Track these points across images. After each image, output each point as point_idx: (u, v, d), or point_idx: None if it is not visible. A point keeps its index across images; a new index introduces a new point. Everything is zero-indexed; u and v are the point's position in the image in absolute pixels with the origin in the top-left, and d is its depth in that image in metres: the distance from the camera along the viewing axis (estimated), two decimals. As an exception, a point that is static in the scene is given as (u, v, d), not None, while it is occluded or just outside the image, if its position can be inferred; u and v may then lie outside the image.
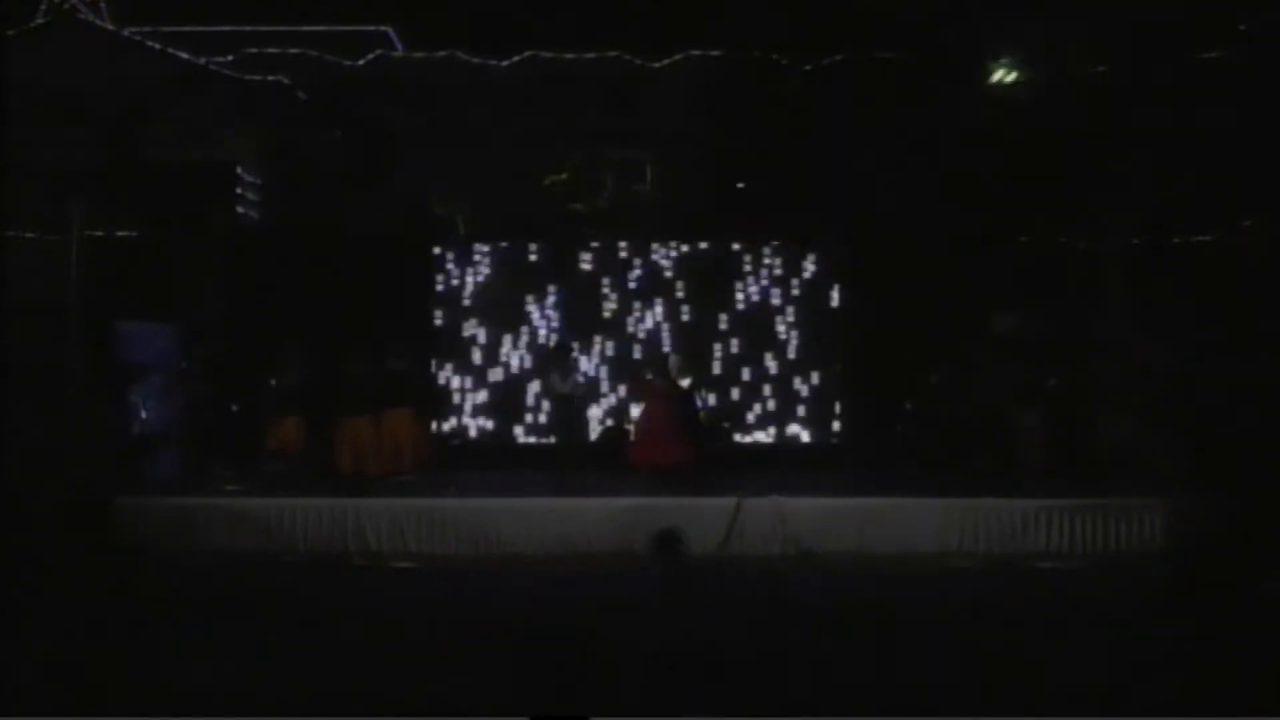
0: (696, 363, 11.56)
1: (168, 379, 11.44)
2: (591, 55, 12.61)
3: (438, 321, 12.43)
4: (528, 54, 12.62)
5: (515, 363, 12.41)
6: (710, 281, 12.41)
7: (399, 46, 13.92)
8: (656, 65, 12.53)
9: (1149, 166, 11.61)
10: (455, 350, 12.41)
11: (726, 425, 12.12)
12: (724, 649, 6.25)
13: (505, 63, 12.64)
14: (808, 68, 12.34)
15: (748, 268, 12.47)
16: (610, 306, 12.44)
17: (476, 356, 12.40)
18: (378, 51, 12.92)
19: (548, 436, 12.06)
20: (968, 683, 6.00)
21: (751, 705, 5.71)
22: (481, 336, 12.42)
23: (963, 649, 6.57)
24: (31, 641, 6.72)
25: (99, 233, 12.22)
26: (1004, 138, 11.65)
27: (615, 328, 12.42)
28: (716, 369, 12.32)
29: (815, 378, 12.32)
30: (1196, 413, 10.17)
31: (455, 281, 12.46)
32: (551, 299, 12.40)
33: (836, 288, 12.41)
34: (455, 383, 12.41)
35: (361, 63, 12.60)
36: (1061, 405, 11.01)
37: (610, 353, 12.40)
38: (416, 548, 9.40)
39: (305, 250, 12.33)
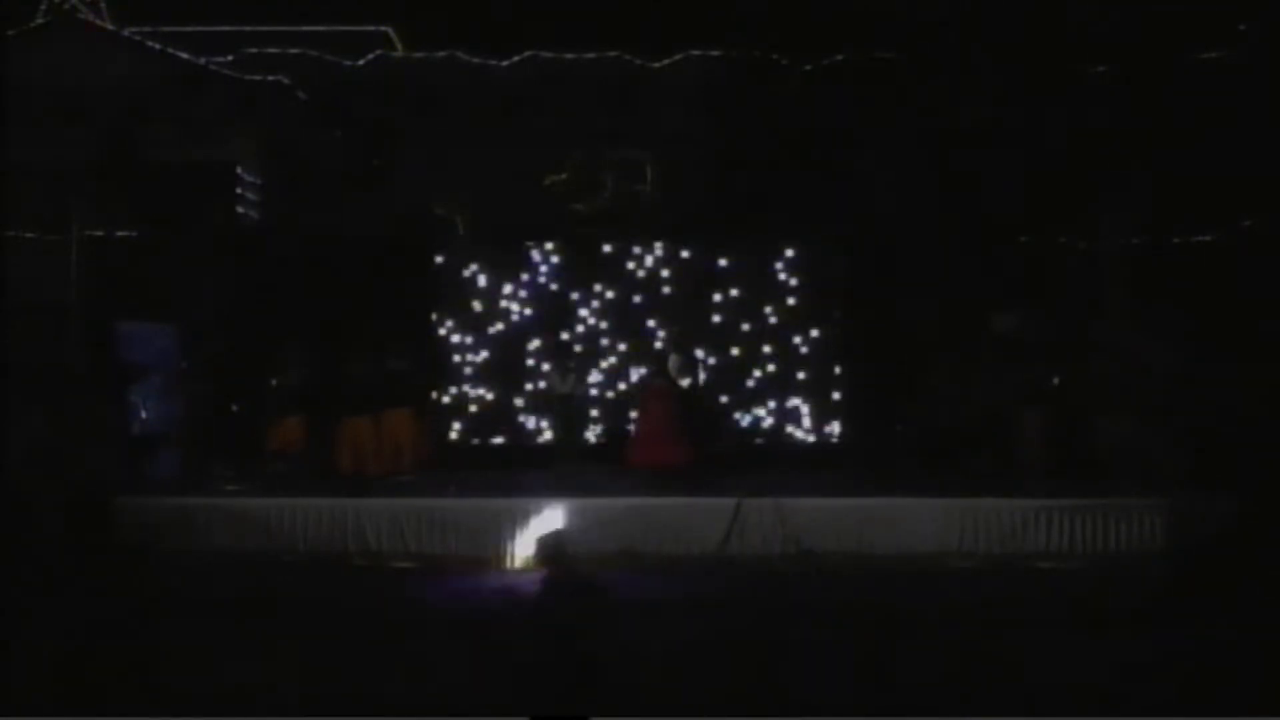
0: (696, 363, 11.55)
1: (168, 379, 11.42)
2: (591, 55, 12.59)
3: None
4: (528, 54, 12.61)
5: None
6: (710, 281, 12.41)
7: (399, 46, 13.92)
8: (656, 65, 12.52)
9: (1149, 166, 11.62)
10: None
11: (736, 415, 12.14)
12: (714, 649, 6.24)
13: (505, 63, 12.62)
14: (808, 68, 12.35)
15: (748, 268, 12.46)
16: (610, 306, 12.43)
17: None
18: (378, 51, 12.90)
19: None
20: (968, 683, 6.00)
21: (751, 705, 5.73)
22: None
23: (963, 649, 6.57)
24: (32, 641, 6.73)
25: (99, 233, 12.26)
26: (1004, 138, 11.66)
27: (615, 327, 12.40)
28: (715, 369, 12.29)
29: (815, 379, 12.31)
30: (1196, 413, 10.17)
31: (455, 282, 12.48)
32: (550, 299, 12.40)
33: (836, 288, 12.38)
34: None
35: (361, 63, 12.58)
36: (1061, 405, 11.02)
37: (610, 353, 12.39)
38: (416, 548, 9.38)
39: (305, 250, 12.32)
